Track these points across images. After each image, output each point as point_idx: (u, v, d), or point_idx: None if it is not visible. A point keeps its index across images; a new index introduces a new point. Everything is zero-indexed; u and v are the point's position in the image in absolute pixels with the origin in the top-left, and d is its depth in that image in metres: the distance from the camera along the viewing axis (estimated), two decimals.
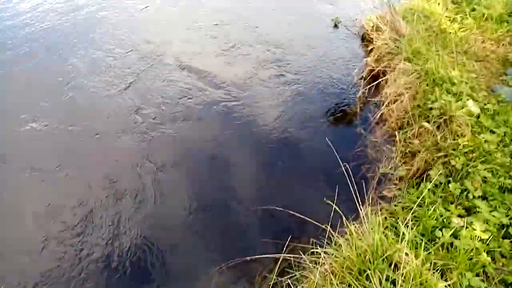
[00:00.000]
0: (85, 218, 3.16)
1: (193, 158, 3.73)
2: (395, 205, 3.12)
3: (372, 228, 2.40)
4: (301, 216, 2.92)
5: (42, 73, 4.86)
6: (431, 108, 3.66)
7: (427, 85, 3.95)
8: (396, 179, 3.46)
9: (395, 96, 4.17)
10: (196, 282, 2.76)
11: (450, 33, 4.80)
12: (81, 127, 4.07)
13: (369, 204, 3.02)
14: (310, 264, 2.59)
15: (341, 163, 3.25)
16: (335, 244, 2.54)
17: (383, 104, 4.24)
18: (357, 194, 2.86)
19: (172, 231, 3.09)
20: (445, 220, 2.77)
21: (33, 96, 4.44)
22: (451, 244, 2.57)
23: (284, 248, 2.74)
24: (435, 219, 2.77)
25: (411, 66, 4.22)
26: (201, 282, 2.76)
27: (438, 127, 3.55)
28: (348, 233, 2.50)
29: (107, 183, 3.46)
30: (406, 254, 2.33)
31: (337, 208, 2.41)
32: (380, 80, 4.58)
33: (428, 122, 3.61)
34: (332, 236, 2.60)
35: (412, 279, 2.10)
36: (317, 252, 2.58)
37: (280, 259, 2.69)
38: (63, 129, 4.03)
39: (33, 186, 3.45)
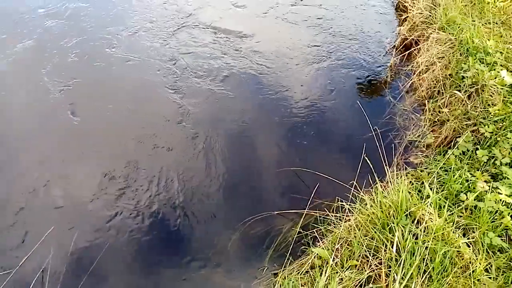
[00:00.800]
0: (123, 169, 3.36)
1: (226, 119, 3.86)
2: (421, 171, 3.19)
3: (397, 187, 2.50)
4: (328, 177, 3.05)
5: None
6: (463, 77, 3.65)
7: (461, 54, 3.92)
8: (424, 147, 3.50)
9: (426, 66, 4.15)
10: (225, 233, 2.94)
11: (488, 3, 4.67)
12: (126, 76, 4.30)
13: (395, 169, 3.10)
14: (335, 220, 2.73)
15: (371, 127, 3.35)
16: (360, 201, 2.65)
17: (414, 73, 4.24)
18: (384, 158, 2.97)
19: (204, 186, 3.25)
20: (470, 185, 2.83)
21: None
22: (475, 207, 2.64)
23: (310, 205, 2.91)
24: (460, 184, 2.84)
25: (445, 35, 4.17)
26: (229, 233, 2.93)
27: (469, 96, 3.55)
28: (373, 190, 2.60)
29: (144, 134, 3.67)
30: (430, 213, 2.43)
31: (369, 162, 2.49)
32: (412, 49, 4.55)
33: (459, 91, 3.61)
34: (358, 194, 2.72)
35: (434, 233, 2.20)
36: (342, 208, 2.71)
37: (304, 214, 2.84)
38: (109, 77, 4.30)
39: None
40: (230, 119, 3.86)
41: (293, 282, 2.19)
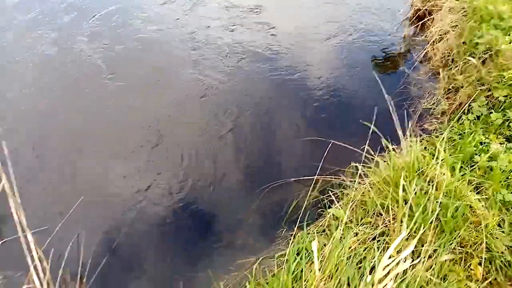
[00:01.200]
0: (149, 138, 3.54)
1: (246, 92, 3.98)
2: (436, 137, 3.24)
3: (410, 148, 2.56)
4: (344, 144, 3.13)
5: None
6: (477, 44, 3.64)
7: (474, 22, 3.90)
8: (438, 114, 3.54)
9: (440, 35, 4.15)
10: (246, 199, 3.08)
11: None
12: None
13: (409, 135, 3.15)
14: (350, 184, 2.82)
15: (386, 97, 3.39)
16: (375, 164, 2.73)
17: (428, 43, 4.24)
18: (399, 126, 3.02)
19: (226, 156, 3.39)
20: (484, 147, 2.87)
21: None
22: (489, 168, 2.68)
23: (326, 171, 3.00)
24: (474, 146, 2.88)
25: (459, 3, 4.15)
26: (250, 199, 3.06)
27: (483, 62, 3.55)
28: (386, 153, 2.68)
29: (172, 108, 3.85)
30: (442, 174, 2.50)
31: (378, 132, 2.56)
32: (425, 20, 4.54)
33: (473, 58, 3.61)
34: (372, 157, 2.79)
35: (445, 189, 2.27)
36: (357, 172, 2.79)
37: (320, 180, 2.94)
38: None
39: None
40: (249, 93, 3.98)
41: (310, 235, 2.30)
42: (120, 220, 3.02)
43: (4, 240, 1.83)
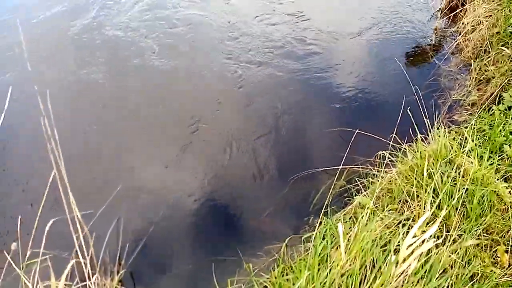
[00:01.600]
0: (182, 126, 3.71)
1: (279, 84, 4.08)
2: (465, 127, 3.22)
3: (438, 136, 2.59)
4: (371, 134, 3.18)
5: None
6: (511, 33, 3.59)
7: (510, 11, 3.83)
8: (468, 105, 3.52)
9: (473, 26, 4.10)
10: (276, 187, 3.18)
11: None
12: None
13: (438, 126, 3.15)
14: (377, 173, 2.87)
15: (415, 89, 3.41)
16: (402, 153, 2.77)
17: (459, 34, 4.20)
18: (428, 117, 3.03)
19: (258, 145, 3.50)
20: None
21: None
22: None
23: (354, 162, 3.06)
24: (504, 136, 2.86)
25: None
26: (279, 187, 3.16)
27: None
28: (414, 142, 2.71)
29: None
30: (470, 162, 2.51)
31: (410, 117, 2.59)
32: (458, 11, 4.49)
33: (507, 48, 3.56)
34: (399, 147, 2.83)
35: (472, 176, 2.29)
36: (384, 161, 2.84)
37: (347, 170, 3.00)
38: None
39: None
40: (282, 84, 4.08)
41: (335, 221, 2.38)
42: (155, 206, 3.17)
43: (55, 219, 2.01)
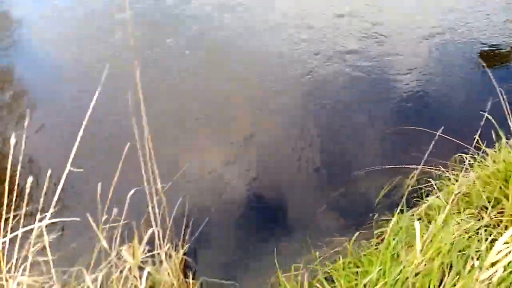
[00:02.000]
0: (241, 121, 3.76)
1: (354, 80, 4.05)
2: None
3: None
4: (447, 136, 3.05)
5: None
6: None
7: None
8: None
9: None
10: (341, 182, 3.16)
11: None
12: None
13: None
14: (451, 176, 2.76)
15: (498, 91, 3.22)
16: (482, 157, 2.64)
17: None
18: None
19: (324, 138, 3.50)
20: None
21: None
22: None
23: (425, 162, 2.94)
24: None
25: None
26: (344, 182, 3.14)
27: None
28: (498, 147, 2.57)
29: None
30: None
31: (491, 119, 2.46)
32: None
33: None
34: (477, 151, 2.69)
35: None
36: (461, 165, 2.72)
37: (418, 170, 2.90)
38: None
39: None
40: (354, 81, 4.04)
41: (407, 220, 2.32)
42: (219, 189, 3.24)
43: (137, 188, 2.11)
